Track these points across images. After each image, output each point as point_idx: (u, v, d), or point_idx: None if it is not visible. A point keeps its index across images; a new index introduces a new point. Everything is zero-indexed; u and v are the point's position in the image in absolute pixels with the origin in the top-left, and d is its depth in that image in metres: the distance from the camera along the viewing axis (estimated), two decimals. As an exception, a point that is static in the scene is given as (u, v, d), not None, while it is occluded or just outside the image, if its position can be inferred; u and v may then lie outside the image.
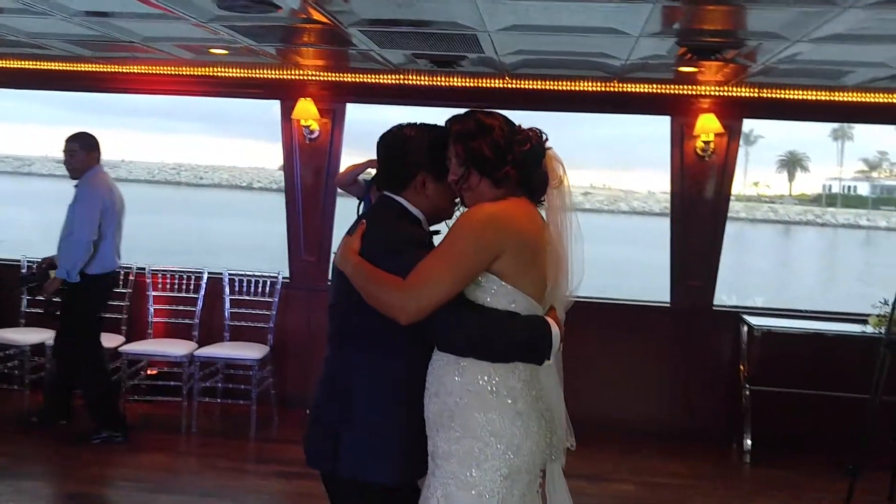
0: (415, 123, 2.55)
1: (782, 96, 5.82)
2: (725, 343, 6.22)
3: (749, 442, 5.84)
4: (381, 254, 2.34)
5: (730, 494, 5.29)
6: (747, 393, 5.94)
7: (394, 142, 2.54)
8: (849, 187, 66.16)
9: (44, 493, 4.76)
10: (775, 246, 46.01)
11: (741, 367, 6.04)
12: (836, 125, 64.54)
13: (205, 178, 59.54)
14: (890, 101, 5.72)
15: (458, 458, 2.24)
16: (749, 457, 5.81)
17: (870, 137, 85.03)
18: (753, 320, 5.94)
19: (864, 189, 65.12)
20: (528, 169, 2.37)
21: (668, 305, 6.33)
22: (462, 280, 2.24)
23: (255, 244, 22.78)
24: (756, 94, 5.85)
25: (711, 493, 5.27)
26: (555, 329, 2.33)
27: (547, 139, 2.43)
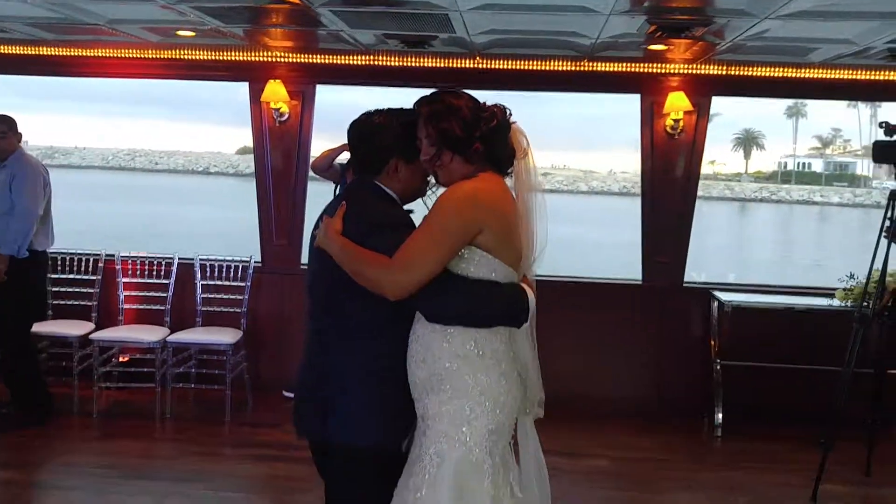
0: (383, 110, 2.63)
1: (750, 74, 5.86)
2: (696, 319, 6.28)
3: (720, 416, 5.91)
4: (364, 234, 2.42)
5: (702, 467, 5.36)
6: (718, 368, 6.01)
7: (365, 131, 2.60)
8: (803, 164, 66.76)
9: (16, 482, 4.68)
10: (733, 223, 46.43)
11: (712, 343, 6.11)
12: (790, 102, 65.51)
13: (160, 164, 58.47)
14: (853, 77, 5.79)
15: (449, 418, 2.40)
16: (720, 430, 5.88)
17: (823, 115, 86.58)
18: (723, 296, 6.01)
19: (818, 166, 65.84)
20: (496, 144, 2.48)
21: (640, 283, 6.38)
22: (447, 256, 2.36)
23: (215, 230, 22.47)
24: (724, 72, 5.89)
25: (683, 467, 5.33)
26: (530, 294, 2.50)
27: (511, 114, 2.53)
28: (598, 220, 36.06)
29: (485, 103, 2.50)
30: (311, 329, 2.62)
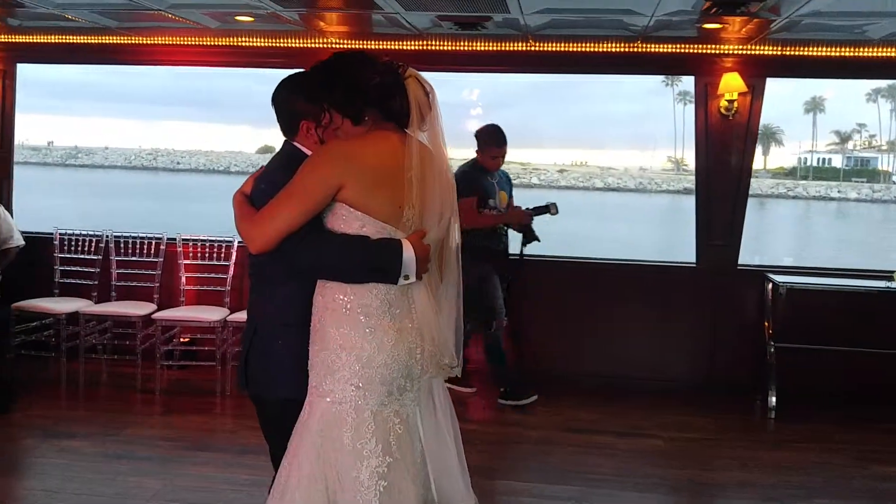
0: (297, 74, 2.66)
1: (805, 53, 5.73)
2: (751, 301, 6.13)
3: (774, 398, 5.77)
4: (259, 194, 2.46)
5: (755, 447, 5.23)
6: (772, 350, 5.87)
7: (276, 96, 2.64)
8: (823, 160, 65.44)
9: (87, 452, 4.76)
10: (752, 218, 45.71)
11: (766, 325, 5.98)
12: (808, 98, 65.35)
13: (182, 163, 58.76)
14: (913, 55, 5.63)
15: (317, 370, 2.41)
16: (774, 412, 5.75)
17: (841, 110, 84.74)
18: (778, 278, 5.88)
19: (837, 161, 64.45)
20: (385, 102, 2.42)
21: (695, 265, 6.27)
22: (303, 213, 2.34)
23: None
24: (779, 52, 5.75)
25: (737, 446, 5.21)
26: (408, 251, 2.36)
27: (405, 69, 2.45)
28: (613, 215, 35.65)
29: (377, 59, 2.45)
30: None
